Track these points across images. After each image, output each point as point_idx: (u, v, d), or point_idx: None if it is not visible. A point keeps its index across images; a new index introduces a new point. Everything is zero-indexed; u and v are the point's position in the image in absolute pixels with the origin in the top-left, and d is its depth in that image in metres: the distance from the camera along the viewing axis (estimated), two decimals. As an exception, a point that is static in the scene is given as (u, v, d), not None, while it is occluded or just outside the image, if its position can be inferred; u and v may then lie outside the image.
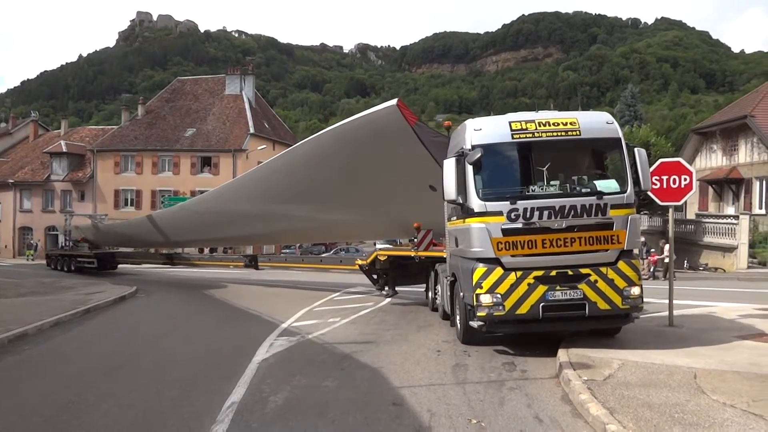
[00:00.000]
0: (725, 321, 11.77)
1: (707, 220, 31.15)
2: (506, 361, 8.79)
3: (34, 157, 56.40)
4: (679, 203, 11.45)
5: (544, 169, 9.11)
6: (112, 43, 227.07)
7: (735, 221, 27.77)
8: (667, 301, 11.18)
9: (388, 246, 27.71)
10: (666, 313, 11.10)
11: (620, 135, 9.40)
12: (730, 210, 33.67)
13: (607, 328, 9.65)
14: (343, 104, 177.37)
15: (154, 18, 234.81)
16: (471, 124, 9.63)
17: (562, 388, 7.36)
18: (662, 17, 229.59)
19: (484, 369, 8.39)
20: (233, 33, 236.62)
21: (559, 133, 9.19)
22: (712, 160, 36.86)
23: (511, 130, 9.19)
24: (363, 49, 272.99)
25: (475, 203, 8.97)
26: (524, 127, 9.21)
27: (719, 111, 45.22)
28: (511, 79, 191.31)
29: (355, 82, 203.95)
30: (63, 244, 29.98)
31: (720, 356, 8.63)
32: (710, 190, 36.09)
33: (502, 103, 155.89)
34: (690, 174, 11.09)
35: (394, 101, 12.13)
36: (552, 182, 9.14)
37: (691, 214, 34.81)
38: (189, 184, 49.48)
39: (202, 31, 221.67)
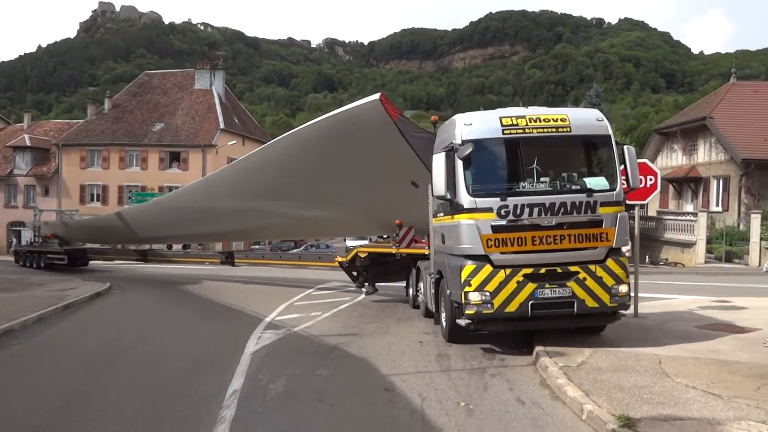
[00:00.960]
0: (685, 312, 12.56)
1: (668, 217, 32.43)
2: (486, 350, 9.31)
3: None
4: (645, 202, 12.15)
5: (534, 165, 9.00)
6: (72, 34, 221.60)
7: (694, 218, 29.01)
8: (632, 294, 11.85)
9: (362, 243, 27.96)
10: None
11: (610, 132, 9.42)
12: (689, 207, 35.02)
13: (593, 325, 9.67)
14: (310, 99, 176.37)
15: (117, 9, 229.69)
16: (461, 118, 9.50)
17: (539, 374, 7.93)
18: (625, 18, 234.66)
19: (466, 358, 8.91)
20: (199, 25, 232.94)
21: (549, 129, 9.14)
22: (672, 160, 38.23)
23: (502, 125, 9.10)
24: (331, 43, 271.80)
25: (465, 199, 8.86)
26: (515, 122, 9.11)
27: (680, 112, 46.79)
28: (478, 77, 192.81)
29: (323, 77, 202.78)
30: (32, 240, 29.46)
31: (681, 344, 9.33)
32: (671, 188, 37.43)
33: (468, 100, 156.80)
34: (655, 174, 11.84)
35: (377, 95, 11.74)
36: (542, 179, 9.05)
37: (652, 211, 36.10)
38: (157, 180, 48.97)
39: (166, 23, 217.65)
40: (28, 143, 52.00)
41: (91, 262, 28.91)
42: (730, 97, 34.25)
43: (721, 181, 32.74)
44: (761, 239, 25.81)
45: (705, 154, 34.46)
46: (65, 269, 26.83)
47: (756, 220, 26.56)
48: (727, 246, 28.35)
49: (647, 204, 35.44)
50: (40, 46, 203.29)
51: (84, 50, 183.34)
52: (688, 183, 35.88)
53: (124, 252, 28.84)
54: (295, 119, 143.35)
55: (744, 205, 30.47)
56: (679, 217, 31.11)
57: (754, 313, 12.06)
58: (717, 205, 32.89)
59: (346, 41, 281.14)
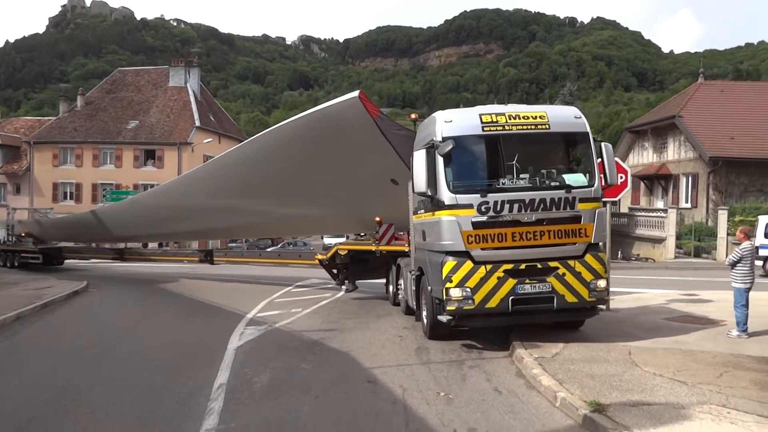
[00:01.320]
0: (654, 306, 13.04)
1: (639, 213, 33.18)
2: (463, 344, 9.59)
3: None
4: (616, 199, 12.56)
5: (514, 162, 9.05)
6: (41, 29, 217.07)
7: (664, 215, 29.75)
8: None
9: (340, 240, 27.94)
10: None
11: (588, 129, 9.53)
12: (659, 204, 35.87)
13: (572, 320, 9.81)
14: (285, 96, 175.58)
15: (87, 4, 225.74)
16: (441, 115, 9.53)
17: (515, 365, 8.25)
18: (598, 17, 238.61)
19: (444, 351, 9.19)
20: (171, 21, 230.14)
21: (528, 127, 9.20)
22: (643, 157, 39.06)
23: (482, 122, 9.16)
24: (306, 41, 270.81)
25: (446, 196, 8.90)
26: (494, 119, 9.17)
27: (651, 110, 47.77)
28: (454, 75, 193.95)
29: (298, 75, 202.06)
30: (5, 239, 29.01)
31: (650, 336, 9.76)
32: (642, 185, 38.26)
33: (444, 98, 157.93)
34: (626, 172, 12.28)
35: (356, 93, 11.69)
36: (522, 175, 9.11)
37: (624, 207, 36.88)
38: (132, 178, 48.58)
39: (138, 18, 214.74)
40: (-3, 140, 51.10)
41: (67, 261, 28.59)
42: (699, 97, 35.12)
43: (690, 179, 33.57)
44: (728, 234, 26.58)
45: (675, 151, 35.29)
46: (40, 268, 26.52)
47: (723, 216, 27.36)
48: (696, 241, 29.15)
49: (619, 201, 36.48)
50: (8, 42, 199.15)
51: (53, 46, 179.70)
52: (658, 180, 36.72)
53: (100, 250, 28.47)
54: (270, 117, 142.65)
55: (712, 202, 31.33)
56: (650, 214, 31.86)
57: (718, 306, 12.53)
58: (686, 201, 33.72)
59: (322, 38, 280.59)
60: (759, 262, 17.94)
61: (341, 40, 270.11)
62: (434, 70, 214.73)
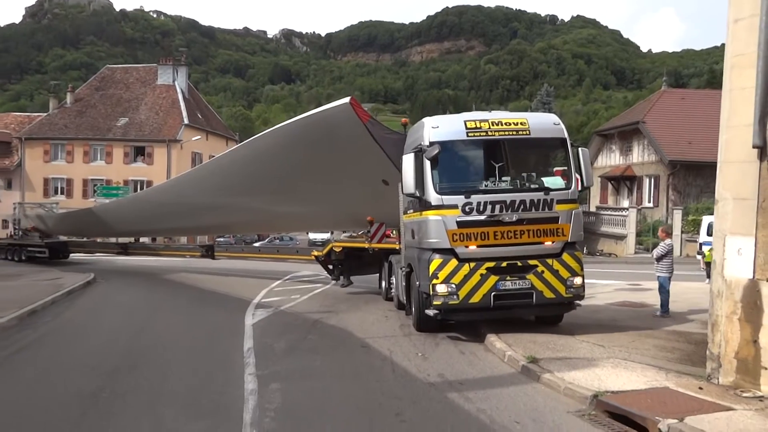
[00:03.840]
0: (601, 294, 15.31)
1: (604, 212, 35.77)
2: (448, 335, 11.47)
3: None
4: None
5: (496, 165, 9.72)
6: (18, 19, 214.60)
7: (625, 213, 32.32)
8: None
9: (324, 236, 29.65)
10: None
11: (566, 135, 10.19)
12: (625, 203, 38.45)
13: (551, 315, 10.50)
14: (267, 90, 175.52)
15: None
16: (429, 122, 10.18)
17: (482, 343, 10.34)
18: (578, 15, 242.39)
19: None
20: (151, 13, 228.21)
21: (510, 132, 9.83)
22: (611, 159, 41.64)
23: (466, 128, 9.80)
24: (288, 34, 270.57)
25: (433, 197, 9.53)
26: (478, 125, 9.81)
27: (619, 114, 50.42)
28: (435, 71, 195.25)
29: (280, 69, 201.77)
30: (12, 233, 30.35)
31: (592, 316, 11.96)
32: (609, 185, 40.87)
33: (426, 94, 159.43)
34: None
35: (347, 99, 12.33)
36: (503, 178, 9.73)
37: (593, 206, 39.48)
38: (123, 174, 50.07)
39: (117, 9, 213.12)
40: (-14, 135, 52.19)
41: (72, 255, 29.81)
42: (661, 104, 37.74)
43: (652, 180, 36.18)
44: (682, 232, 29.16)
45: (639, 154, 37.87)
46: (44, 261, 27.72)
47: (678, 215, 29.96)
48: (654, 238, 31.72)
49: (588, 199, 39.16)
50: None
51: (30, 36, 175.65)
52: (624, 181, 39.31)
53: (104, 245, 29.64)
54: (252, 111, 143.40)
55: (671, 202, 33.94)
56: (614, 213, 34.45)
57: (655, 294, 14.80)
58: (649, 201, 36.33)
59: (304, 32, 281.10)
60: (700, 257, 20.42)
61: (323, 35, 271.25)
62: (416, 65, 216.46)
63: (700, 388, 6.78)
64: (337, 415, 6.48)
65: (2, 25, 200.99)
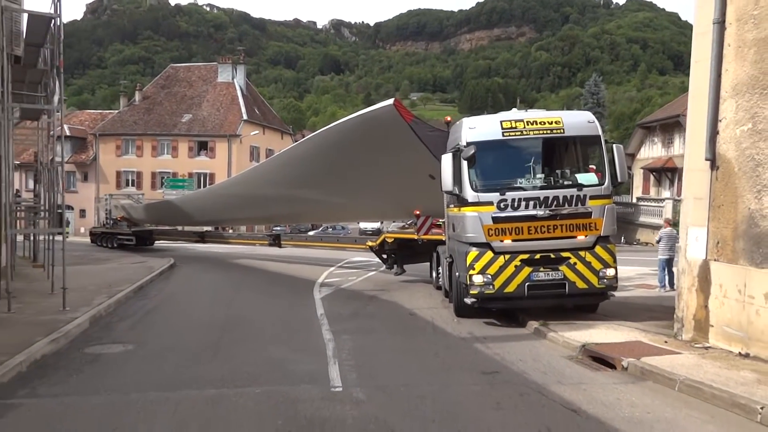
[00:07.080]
0: (624, 278, 17.19)
1: (642, 203, 37.17)
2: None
3: (35, 139, 59.60)
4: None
5: (531, 163, 10.17)
6: (79, 16, 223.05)
7: (662, 204, 33.71)
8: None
9: (373, 225, 31.07)
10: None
11: (600, 132, 10.51)
12: (666, 194, 39.59)
13: (585, 304, 10.98)
14: (317, 81, 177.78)
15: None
16: (467, 122, 10.71)
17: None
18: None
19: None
20: (204, 7, 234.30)
21: (544, 131, 10.21)
22: (653, 151, 42.74)
23: (502, 128, 10.23)
24: (337, 25, 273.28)
25: (469, 194, 10.08)
26: (514, 125, 10.23)
27: (661, 108, 51.05)
28: (485, 58, 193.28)
29: (330, 59, 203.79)
30: (104, 222, 33.52)
31: (619, 294, 13.91)
32: (651, 177, 42.06)
33: (475, 82, 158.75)
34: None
35: (390, 101, 12.99)
36: (538, 175, 10.14)
37: (634, 197, 40.87)
38: (187, 167, 53.81)
39: (172, 4, 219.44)
40: (68, 133, 56.71)
41: (156, 242, 32.68)
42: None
43: (692, 171, 37.20)
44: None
45: (680, 146, 38.84)
46: (132, 248, 30.68)
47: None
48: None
49: (630, 190, 40.51)
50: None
51: (91, 32, 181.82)
52: (665, 172, 40.46)
53: (184, 233, 31.87)
54: (303, 102, 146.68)
55: (709, 192, 35.01)
56: (651, 204, 35.85)
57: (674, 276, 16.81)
58: (688, 191, 37.39)
59: (352, 22, 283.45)
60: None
61: (372, 24, 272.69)
62: (465, 53, 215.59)
63: (665, 342, 8.97)
64: (391, 354, 9.02)
65: (65, 22, 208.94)
